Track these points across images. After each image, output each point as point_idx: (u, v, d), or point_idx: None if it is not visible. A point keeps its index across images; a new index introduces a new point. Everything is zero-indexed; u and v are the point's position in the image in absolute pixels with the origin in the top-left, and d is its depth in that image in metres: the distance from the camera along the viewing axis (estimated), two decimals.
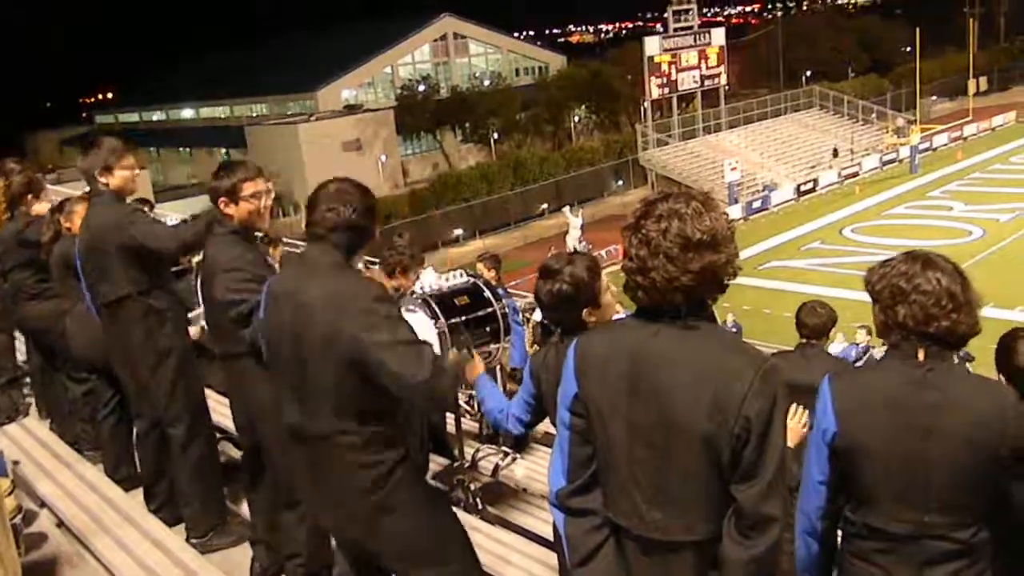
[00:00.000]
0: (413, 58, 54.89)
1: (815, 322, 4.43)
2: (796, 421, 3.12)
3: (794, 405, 3.08)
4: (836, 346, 14.04)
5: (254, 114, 55.13)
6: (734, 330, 18.07)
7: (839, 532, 2.33)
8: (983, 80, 53.74)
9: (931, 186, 34.77)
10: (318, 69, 51.67)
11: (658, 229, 1.82)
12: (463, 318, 3.97)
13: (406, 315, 3.79)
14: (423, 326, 3.91)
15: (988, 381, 2.25)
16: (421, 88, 47.83)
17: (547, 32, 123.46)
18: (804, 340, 4.50)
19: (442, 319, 3.88)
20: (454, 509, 2.93)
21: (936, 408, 2.08)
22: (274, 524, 3.35)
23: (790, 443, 2.99)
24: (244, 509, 3.82)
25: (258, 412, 3.19)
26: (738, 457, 1.77)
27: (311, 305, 2.40)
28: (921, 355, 2.13)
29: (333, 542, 2.96)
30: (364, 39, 55.02)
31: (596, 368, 1.91)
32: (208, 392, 4.12)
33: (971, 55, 47.78)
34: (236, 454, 4.44)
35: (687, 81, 39.65)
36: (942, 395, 2.09)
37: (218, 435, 4.36)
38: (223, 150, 45.38)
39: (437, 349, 3.88)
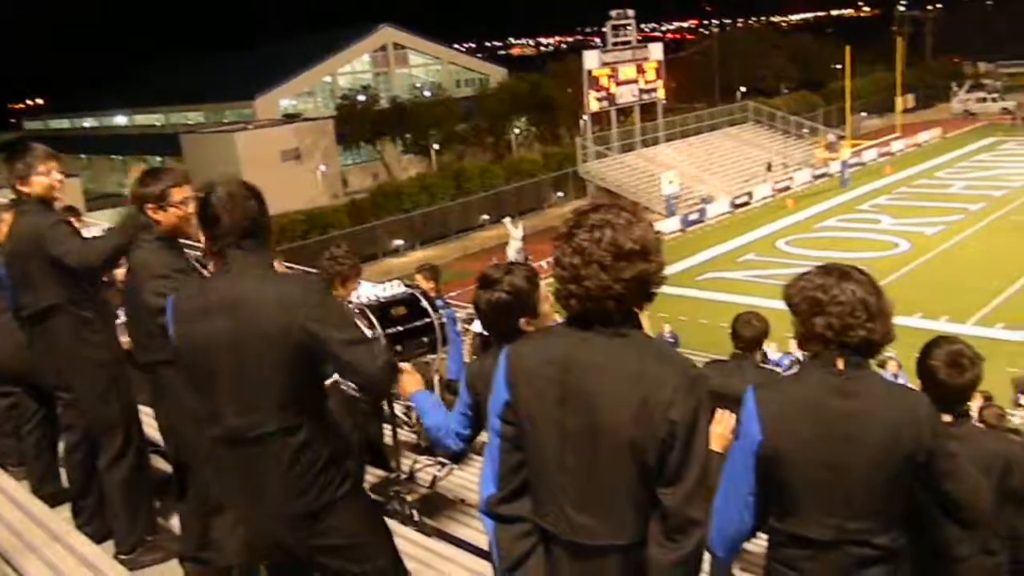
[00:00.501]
0: (353, 68, 54.61)
1: (750, 334, 4.53)
2: (724, 427, 3.19)
3: (720, 412, 3.15)
4: (769, 356, 14.30)
5: (190, 122, 54.13)
6: (671, 340, 18.30)
7: (766, 540, 2.39)
8: (910, 97, 55.61)
9: (861, 200, 35.80)
10: (256, 78, 51.03)
11: (591, 239, 1.86)
12: (400, 328, 3.95)
13: None
14: None
15: (903, 388, 2.34)
16: (361, 98, 47.55)
17: (488, 44, 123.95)
18: (739, 351, 4.60)
19: (379, 329, 3.85)
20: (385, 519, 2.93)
21: (854, 416, 2.15)
22: (205, 537, 3.29)
23: (718, 448, 3.06)
24: (174, 523, 3.75)
25: (180, 422, 3.13)
26: (664, 462, 1.82)
27: (254, 308, 2.37)
28: (840, 364, 2.20)
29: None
30: (304, 49, 54.56)
31: (527, 376, 1.94)
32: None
33: (899, 73, 49.39)
34: (165, 467, 4.34)
35: (626, 95, 40.20)
36: (860, 403, 2.16)
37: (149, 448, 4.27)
38: (157, 158, 44.39)
39: None
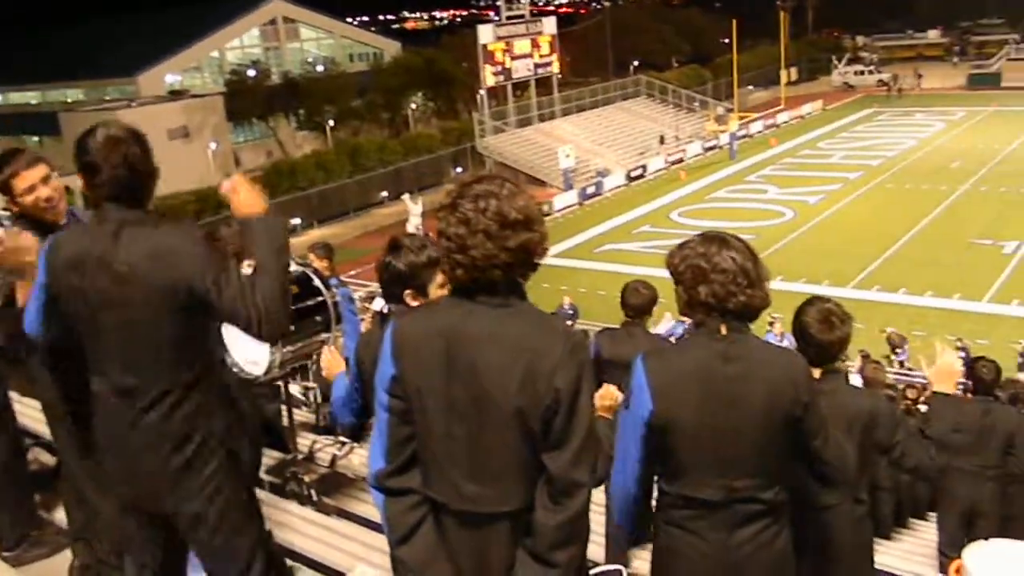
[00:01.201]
0: (242, 42, 52.73)
1: (638, 301, 4.67)
2: (611, 398, 3.29)
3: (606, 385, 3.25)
4: (664, 325, 14.69)
5: (69, 100, 51.30)
6: (571, 312, 18.62)
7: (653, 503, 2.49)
8: (794, 71, 57.59)
9: (748, 171, 36.99)
10: (138, 53, 48.63)
11: (476, 208, 1.89)
12: (292, 307, 3.89)
13: None
14: None
15: (781, 349, 2.46)
16: (251, 73, 46.06)
17: (381, 18, 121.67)
18: (628, 319, 4.73)
19: None
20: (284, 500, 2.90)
21: (739, 379, 2.25)
22: (90, 519, 3.20)
23: (606, 414, 3.16)
24: (60, 516, 3.63)
25: (46, 408, 3.04)
26: (549, 428, 1.86)
27: (132, 264, 2.30)
28: (723, 330, 2.30)
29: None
30: (188, 22, 52.24)
31: (412, 348, 1.95)
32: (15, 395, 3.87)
33: (783, 47, 51.03)
34: (48, 460, 4.20)
35: (521, 69, 40.24)
36: (743, 367, 2.26)
37: (29, 441, 4.12)
38: (35, 138, 41.96)
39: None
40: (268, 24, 54.00)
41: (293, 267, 4.20)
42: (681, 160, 39.45)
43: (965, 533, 5.45)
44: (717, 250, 2.31)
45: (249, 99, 44.08)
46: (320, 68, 50.93)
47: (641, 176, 37.14)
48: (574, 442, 1.87)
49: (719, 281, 2.27)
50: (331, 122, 45.80)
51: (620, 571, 3.27)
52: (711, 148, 41.05)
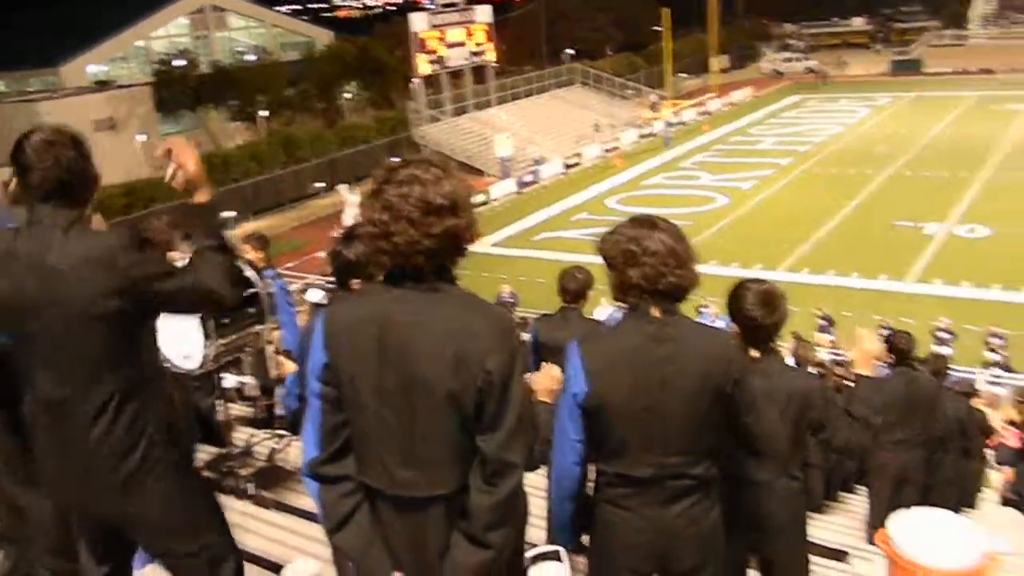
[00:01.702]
0: (168, 31, 51.29)
1: (574, 287, 4.73)
2: (550, 379, 3.33)
3: (546, 364, 3.29)
4: (603, 310, 14.87)
5: None
6: (511, 300, 18.69)
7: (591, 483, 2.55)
8: (724, 58, 58.51)
9: (682, 158, 37.51)
10: (61, 43, 46.98)
11: (399, 194, 1.88)
12: None
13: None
14: None
15: (711, 329, 2.51)
16: (180, 63, 44.88)
17: (312, 6, 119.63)
18: (565, 304, 4.79)
19: None
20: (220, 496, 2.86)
21: (671, 360, 2.31)
22: (19, 522, 3.12)
23: (547, 398, 3.21)
24: None
25: None
26: (481, 410, 1.88)
27: (64, 270, 2.23)
28: (656, 313, 2.35)
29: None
30: (113, 11, 50.60)
31: (344, 336, 1.95)
32: None
33: (713, 35, 51.75)
34: None
35: (456, 58, 40.07)
36: (675, 347, 2.31)
37: None
38: None
39: (200, 332, 3.78)
40: (196, 13, 52.64)
41: None
42: (617, 148, 39.79)
43: (893, 503, 5.68)
44: (647, 233, 2.35)
45: (178, 89, 42.93)
46: (251, 58, 49.89)
47: (578, 164, 37.36)
48: (507, 424, 1.88)
49: (649, 263, 2.31)
50: (264, 112, 44.95)
51: (558, 552, 3.32)
52: (646, 135, 41.50)
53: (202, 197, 2.39)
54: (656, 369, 2.31)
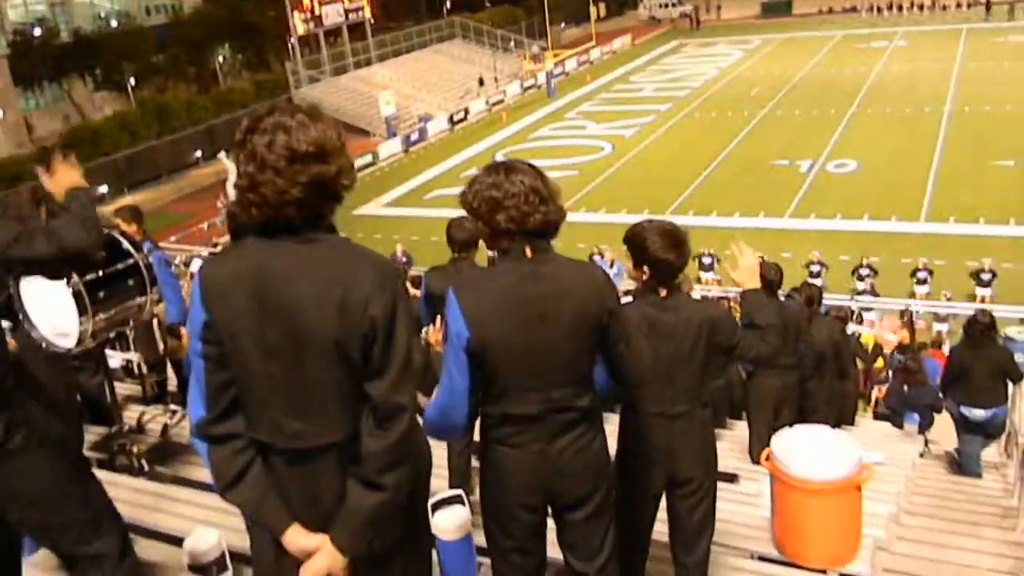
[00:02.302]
0: None
1: (462, 236, 4.74)
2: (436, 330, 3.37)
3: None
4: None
5: None
6: (404, 260, 18.57)
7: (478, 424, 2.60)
8: (603, 6, 58.89)
9: (567, 108, 37.76)
10: None
11: (264, 143, 1.83)
12: (100, 273, 3.71)
13: (34, 280, 3.50)
14: (55, 288, 3.62)
15: (583, 263, 2.57)
16: (37, 32, 42.08)
17: None
18: (455, 254, 4.81)
19: (75, 277, 3.60)
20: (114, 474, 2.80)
21: (548, 297, 2.36)
22: None
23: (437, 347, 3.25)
24: None
25: None
26: (367, 356, 1.88)
27: None
28: (529, 252, 2.40)
29: None
30: None
31: (222, 293, 1.91)
32: None
33: None
34: None
35: (332, 15, 38.96)
36: (551, 284, 2.37)
37: None
38: None
39: (73, 310, 3.64)
40: None
41: None
42: (502, 101, 39.70)
43: (773, 425, 6.01)
44: (504, 177, 2.37)
45: (37, 60, 40.37)
46: (114, 23, 47.20)
47: (464, 119, 37.15)
48: (394, 368, 1.89)
49: (513, 205, 2.34)
50: (132, 80, 42.76)
51: (460, 495, 3.41)
52: (529, 87, 41.53)
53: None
54: (534, 306, 2.35)
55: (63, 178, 2.47)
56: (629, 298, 3.17)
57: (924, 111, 30.32)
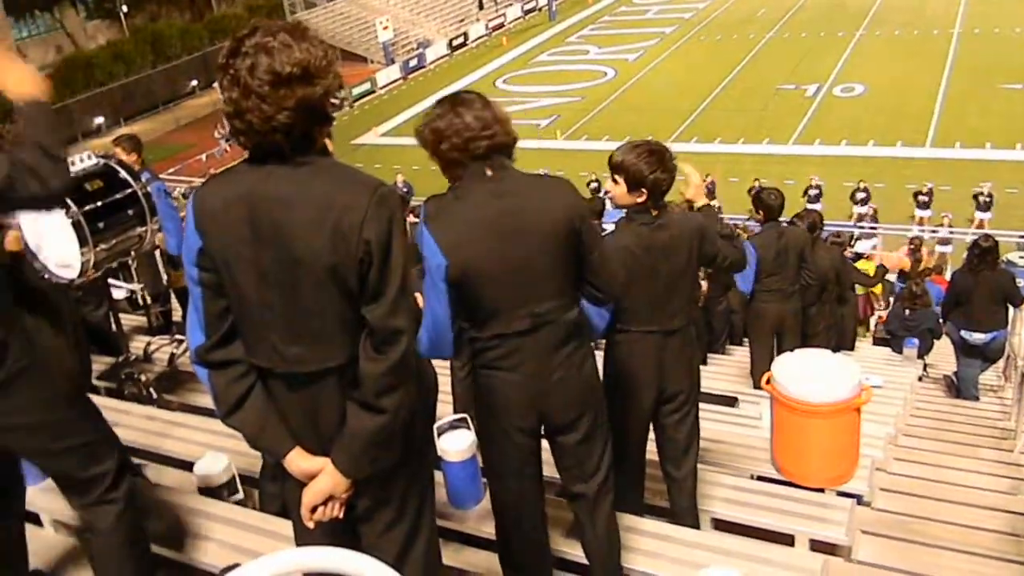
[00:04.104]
0: None
1: None
2: None
3: None
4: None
5: None
6: (405, 190, 18.50)
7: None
8: None
9: (568, 32, 37.07)
10: None
11: (247, 67, 1.76)
12: (99, 203, 3.70)
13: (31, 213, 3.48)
14: (54, 219, 3.62)
15: (547, 177, 2.58)
16: None
17: None
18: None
19: (74, 208, 3.60)
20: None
21: (516, 211, 2.35)
22: None
23: None
24: None
25: None
26: (364, 280, 1.86)
27: None
28: (489, 171, 2.38)
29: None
30: None
31: (215, 219, 1.89)
32: None
33: None
34: None
35: None
36: (517, 199, 2.36)
37: None
38: None
39: (74, 241, 3.64)
40: None
41: (94, 161, 3.97)
42: (502, 25, 38.94)
43: (773, 349, 6.06)
44: (448, 108, 2.36)
45: None
46: None
47: (463, 44, 36.51)
48: (390, 292, 1.88)
49: (454, 132, 2.33)
50: (124, 8, 41.86)
51: (465, 419, 3.45)
52: (530, 11, 40.69)
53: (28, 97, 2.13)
54: (505, 222, 2.34)
55: (19, 76, 2.14)
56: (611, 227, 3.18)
57: (933, 33, 29.73)
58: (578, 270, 2.50)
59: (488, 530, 3.11)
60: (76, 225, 3.58)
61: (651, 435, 3.42)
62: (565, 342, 2.51)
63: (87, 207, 3.64)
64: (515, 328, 2.44)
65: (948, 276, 10.24)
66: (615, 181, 3.08)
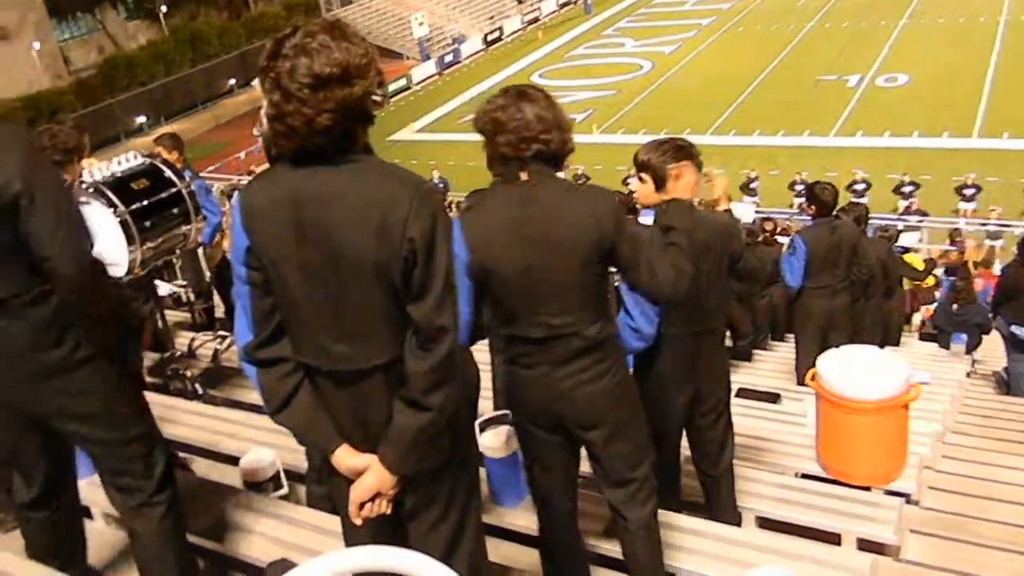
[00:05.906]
0: None
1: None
2: None
3: None
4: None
5: None
6: (441, 185, 18.54)
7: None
8: None
9: (604, 25, 36.87)
10: None
11: (287, 69, 1.77)
12: (145, 202, 3.75)
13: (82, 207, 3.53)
14: (101, 217, 3.67)
15: (589, 189, 2.50)
16: None
17: None
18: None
19: (121, 206, 3.64)
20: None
21: (539, 220, 2.34)
22: None
23: None
24: None
25: None
26: (408, 278, 1.86)
27: None
28: (524, 176, 2.38)
29: None
30: None
31: (261, 218, 1.90)
32: None
33: None
34: None
35: None
36: (541, 208, 2.35)
37: None
38: None
39: (121, 239, 3.69)
40: None
41: (139, 160, 4.02)
42: (537, 19, 38.84)
43: (821, 346, 5.96)
44: (513, 101, 2.36)
45: None
46: None
47: (499, 39, 36.48)
48: (435, 289, 1.88)
49: (513, 128, 2.32)
50: (164, 8, 42.48)
51: (507, 415, 3.44)
52: (566, 4, 40.51)
53: None
54: (526, 229, 2.34)
55: None
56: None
57: (979, 20, 29.07)
58: (605, 286, 2.49)
59: (532, 526, 3.11)
60: (123, 223, 3.63)
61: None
62: (581, 355, 2.49)
63: (134, 206, 3.69)
64: (530, 335, 2.47)
65: (997, 270, 10.01)
66: (641, 180, 3.03)
